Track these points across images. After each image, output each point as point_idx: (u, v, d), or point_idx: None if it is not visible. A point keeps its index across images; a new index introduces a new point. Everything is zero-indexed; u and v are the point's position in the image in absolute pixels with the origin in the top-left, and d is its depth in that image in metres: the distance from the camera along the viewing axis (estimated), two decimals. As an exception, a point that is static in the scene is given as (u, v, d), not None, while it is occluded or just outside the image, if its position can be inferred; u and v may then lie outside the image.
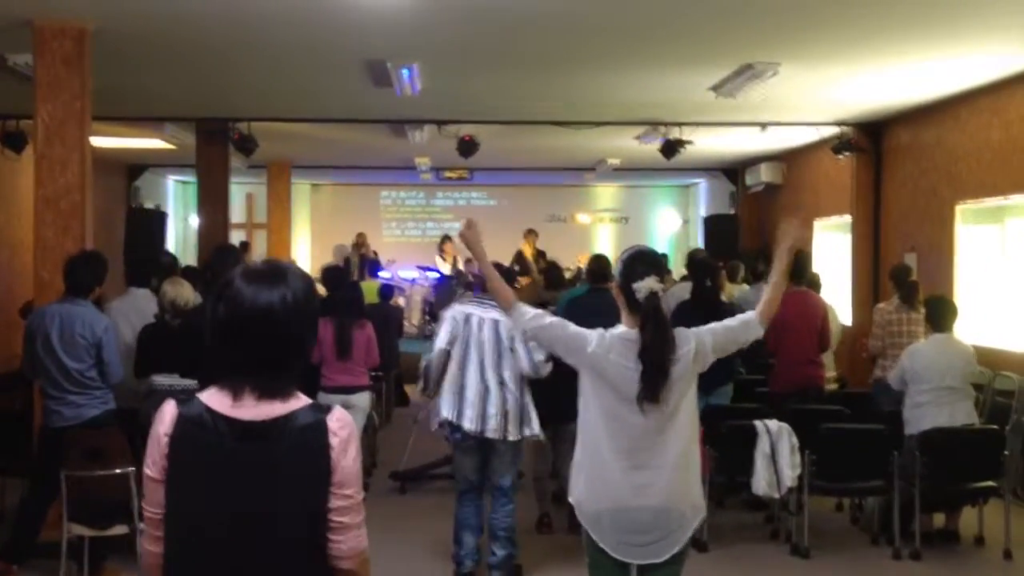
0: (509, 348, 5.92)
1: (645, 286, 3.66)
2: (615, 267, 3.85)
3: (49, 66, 6.58)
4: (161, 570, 2.37)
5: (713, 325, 3.80)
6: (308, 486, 2.35)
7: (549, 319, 3.79)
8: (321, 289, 9.75)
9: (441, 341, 5.98)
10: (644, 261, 3.76)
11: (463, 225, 4.07)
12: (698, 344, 3.70)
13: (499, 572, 6.04)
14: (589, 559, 3.80)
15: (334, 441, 2.36)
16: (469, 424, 5.84)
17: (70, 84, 6.58)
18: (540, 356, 5.82)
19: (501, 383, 5.90)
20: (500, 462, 6.03)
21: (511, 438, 5.93)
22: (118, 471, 5.55)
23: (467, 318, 5.97)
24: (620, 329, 3.72)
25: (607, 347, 3.66)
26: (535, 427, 5.99)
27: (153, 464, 2.35)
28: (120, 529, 5.62)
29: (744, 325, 3.81)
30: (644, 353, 3.60)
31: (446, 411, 5.89)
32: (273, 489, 2.31)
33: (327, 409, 2.40)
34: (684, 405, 3.68)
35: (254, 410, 2.34)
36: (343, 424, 2.39)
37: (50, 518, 6.09)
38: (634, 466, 3.65)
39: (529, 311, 3.81)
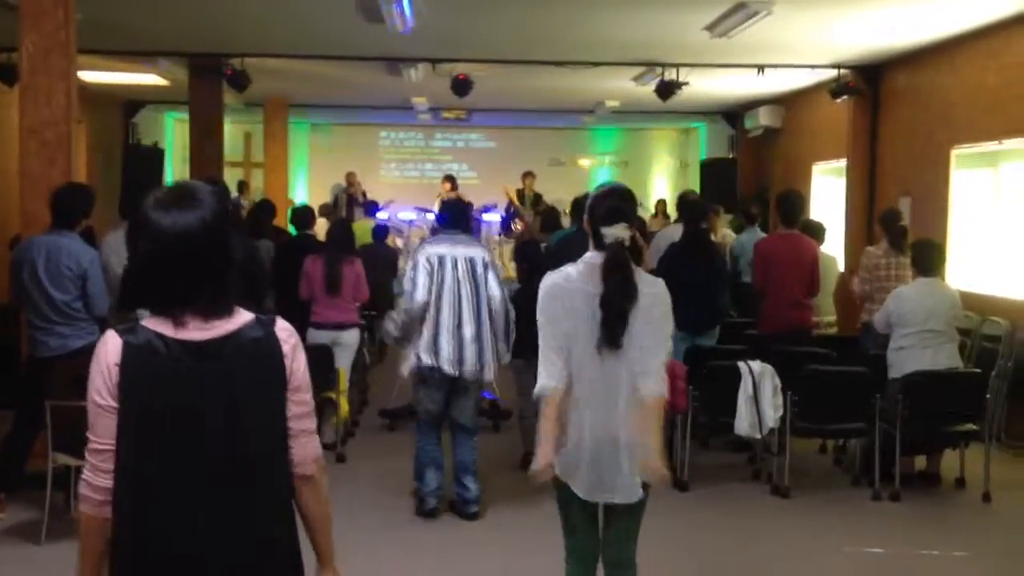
0: (486, 283, 5.93)
1: (612, 233, 3.64)
2: (587, 203, 3.83)
3: (33, -6, 6.52)
4: (108, 505, 2.34)
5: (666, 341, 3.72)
6: (268, 397, 2.40)
7: (548, 367, 3.64)
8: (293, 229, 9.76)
9: (420, 293, 5.87)
10: (612, 202, 3.73)
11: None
12: (663, 315, 3.66)
13: (475, 506, 6.12)
14: (559, 499, 3.83)
15: (285, 349, 2.42)
16: (448, 367, 5.87)
17: (54, 14, 6.51)
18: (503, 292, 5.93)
19: (478, 323, 5.91)
20: (466, 400, 6.09)
21: (487, 378, 5.99)
22: (101, 402, 5.58)
23: (440, 260, 5.92)
24: (589, 255, 3.73)
25: (572, 282, 3.65)
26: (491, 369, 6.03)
27: (100, 394, 2.32)
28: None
29: (654, 375, 3.63)
30: (604, 301, 3.59)
31: (425, 356, 5.89)
32: (235, 404, 2.34)
33: (272, 321, 2.43)
34: (649, 345, 3.63)
35: (203, 331, 2.35)
36: (289, 332, 2.45)
37: (37, 449, 6.15)
38: (600, 402, 3.65)
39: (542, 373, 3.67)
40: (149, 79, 12.48)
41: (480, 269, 5.96)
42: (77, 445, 5.58)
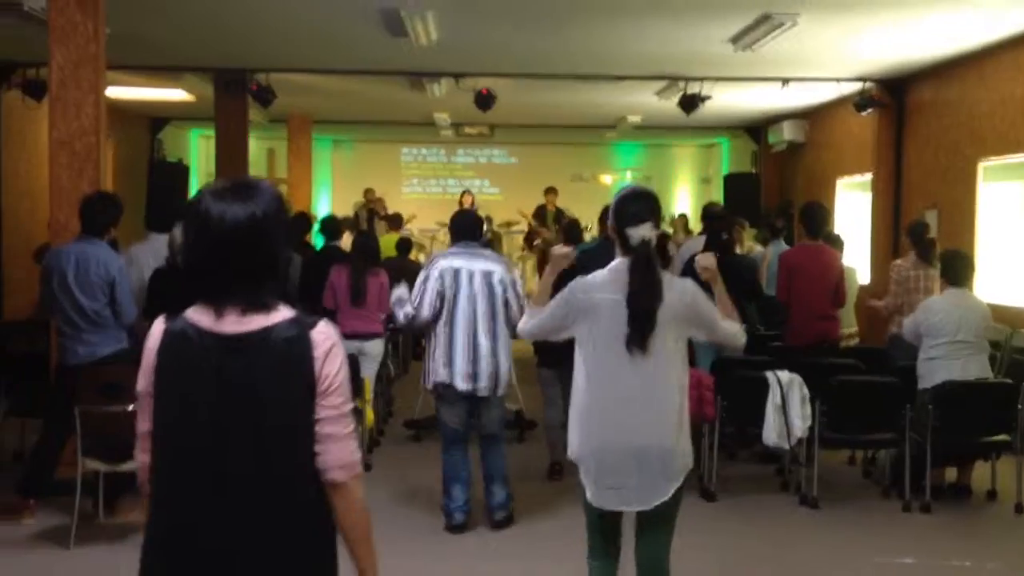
0: (503, 298, 5.89)
1: (638, 234, 3.65)
2: (612, 206, 3.83)
3: (63, 9, 6.60)
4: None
5: (720, 321, 3.77)
6: (292, 398, 2.36)
7: (545, 311, 3.79)
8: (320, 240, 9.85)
9: (426, 311, 5.80)
10: (638, 204, 3.73)
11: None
12: (697, 303, 3.69)
13: (504, 511, 6.09)
14: (584, 499, 3.80)
15: (317, 352, 2.38)
16: (461, 383, 5.84)
17: (84, 27, 6.59)
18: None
19: (492, 338, 5.86)
20: (489, 409, 6.05)
21: (500, 394, 5.97)
22: (131, 407, 5.60)
23: (456, 273, 5.85)
24: (615, 262, 3.72)
25: (594, 286, 3.67)
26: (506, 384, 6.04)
27: (142, 379, 2.41)
28: (133, 464, 5.66)
29: (728, 331, 3.79)
30: (631, 300, 3.59)
31: (440, 372, 5.87)
32: (257, 401, 2.33)
33: (312, 322, 2.41)
34: (675, 347, 3.66)
35: (237, 324, 2.36)
36: (327, 336, 2.40)
37: (67, 456, 6.18)
38: (626, 406, 3.62)
39: (531, 325, 3.88)
40: (175, 95, 12.59)
41: (498, 287, 5.88)
42: (106, 451, 5.69)
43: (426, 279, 5.88)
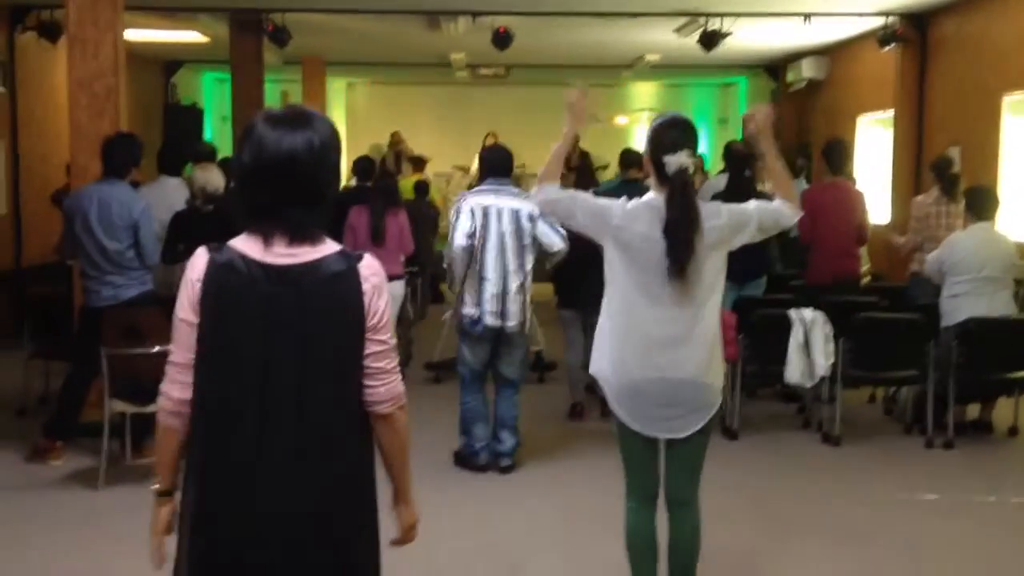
0: (531, 235, 5.87)
1: (675, 160, 3.58)
2: (646, 134, 3.78)
3: (79, -54, 6.51)
4: (179, 416, 2.41)
5: (759, 204, 3.72)
6: (343, 331, 2.37)
7: (564, 195, 3.71)
8: (353, 180, 9.78)
9: (461, 237, 5.83)
10: (675, 131, 3.67)
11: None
12: (732, 218, 3.63)
13: (509, 459, 6.12)
14: (617, 434, 3.81)
15: (366, 286, 2.38)
16: (490, 320, 5.84)
17: (101, -35, 6.51)
18: (562, 231, 5.80)
19: (522, 275, 5.87)
20: (510, 353, 6.05)
21: (528, 328, 5.97)
22: (157, 349, 5.63)
23: (485, 211, 5.84)
24: (649, 195, 3.68)
25: (632, 217, 3.62)
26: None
27: (185, 309, 2.38)
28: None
29: (779, 212, 3.69)
30: (669, 229, 3.55)
31: (468, 306, 5.87)
32: (305, 333, 2.33)
33: (358, 256, 2.40)
34: (712, 282, 3.64)
35: (286, 255, 2.35)
36: (374, 270, 2.41)
37: (92, 399, 6.23)
38: (662, 340, 3.62)
39: (552, 194, 3.71)
40: (189, 36, 12.47)
41: (526, 222, 5.87)
42: (133, 392, 5.72)
43: (458, 212, 5.91)
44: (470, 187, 6.45)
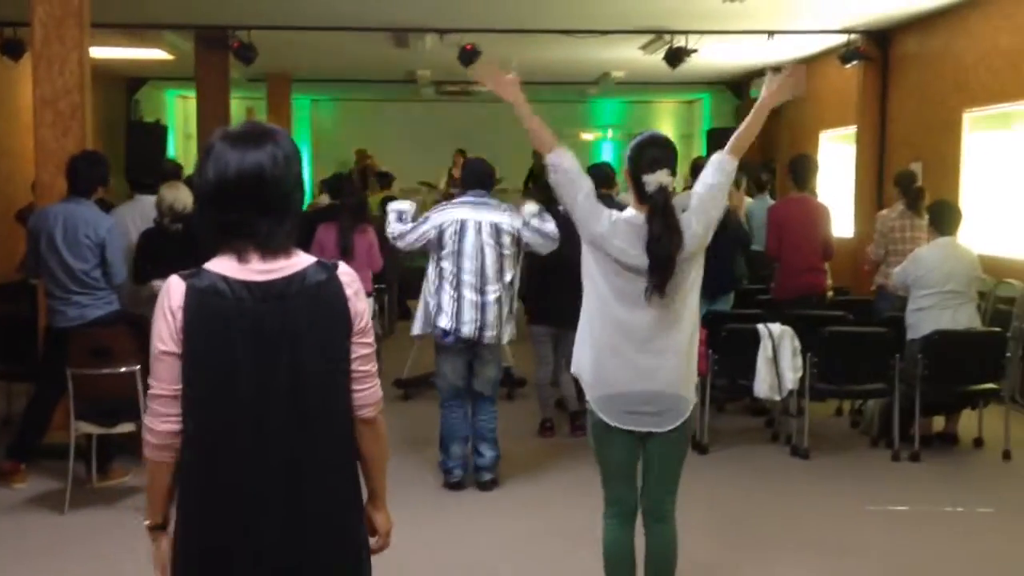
0: (512, 248, 5.87)
1: (655, 179, 3.60)
2: (626, 151, 3.79)
3: (44, -37, 6.46)
4: (168, 450, 2.35)
5: (700, 192, 3.72)
6: (332, 339, 2.38)
7: (582, 178, 3.70)
8: (324, 198, 9.78)
9: (410, 236, 5.81)
10: (655, 150, 3.68)
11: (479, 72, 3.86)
12: (700, 222, 3.65)
13: (489, 473, 6.10)
14: (593, 436, 3.82)
15: (349, 292, 2.40)
16: (467, 330, 5.82)
17: (67, -18, 6.46)
18: (550, 225, 5.77)
19: (500, 288, 5.84)
20: (487, 368, 6.04)
21: (504, 340, 5.99)
22: (124, 369, 5.57)
23: (463, 224, 5.81)
24: (629, 213, 3.69)
25: (614, 232, 3.63)
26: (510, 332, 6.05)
27: (165, 340, 2.31)
28: (127, 427, 5.66)
29: (718, 167, 3.71)
30: (651, 248, 3.56)
31: (444, 319, 5.85)
32: (299, 346, 2.33)
33: (334, 265, 2.42)
34: (690, 287, 3.67)
35: (264, 270, 2.34)
36: (351, 276, 2.43)
37: (57, 420, 6.15)
38: (640, 352, 3.64)
39: (566, 162, 3.68)
40: (154, 53, 12.39)
41: (506, 237, 5.84)
42: (99, 414, 5.65)
43: (427, 219, 5.90)
44: (437, 202, 6.44)
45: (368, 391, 2.45)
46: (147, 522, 2.46)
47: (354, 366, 2.42)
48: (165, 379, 2.33)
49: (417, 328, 6.04)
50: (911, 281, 6.82)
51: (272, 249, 2.35)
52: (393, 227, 5.95)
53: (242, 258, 2.33)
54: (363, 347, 2.43)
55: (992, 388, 6.82)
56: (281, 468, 2.34)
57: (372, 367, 2.46)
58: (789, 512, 5.78)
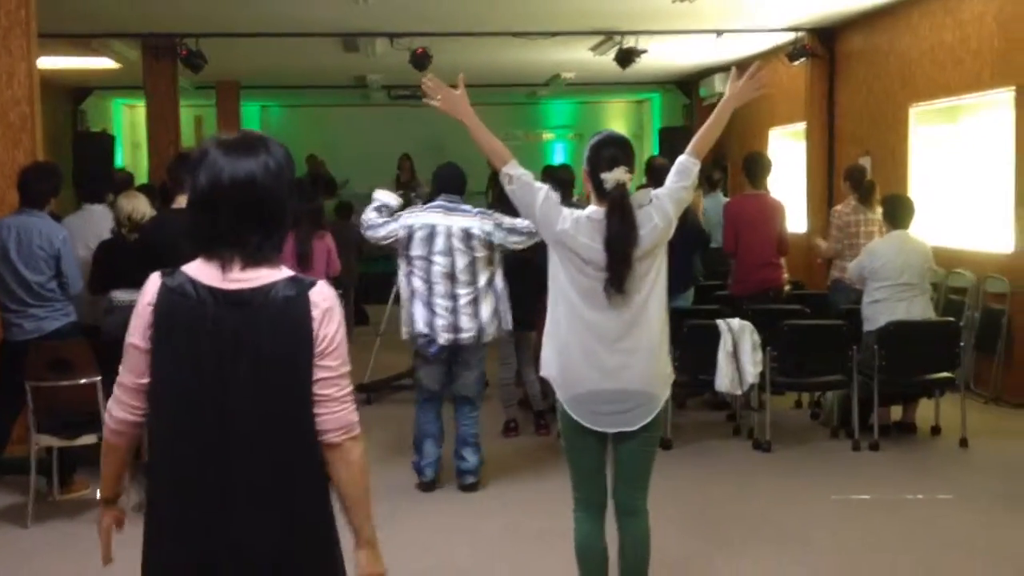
0: (485, 250, 5.85)
1: (613, 177, 3.65)
2: (584, 151, 3.84)
3: (-10, -28, 6.37)
4: (123, 436, 2.45)
5: (662, 190, 3.78)
6: (292, 357, 2.34)
7: (537, 184, 3.76)
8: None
9: (382, 231, 5.84)
10: (612, 149, 3.73)
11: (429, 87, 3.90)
12: (661, 217, 3.69)
13: (472, 477, 6.10)
14: (564, 435, 3.85)
15: (315, 312, 2.35)
16: (444, 337, 5.81)
17: (14, -8, 6.38)
18: (523, 222, 5.73)
19: (473, 290, 5.84)
20: (468, 371, 6.03)
21: (486, 339, 5.95)
22: (84, 381, 5.50)
23: (432, 231, 5.81)
24: (590, 210, 3.73)
25: (577, 228, 3.67)
26: (507, 322, 6.02)
27: (135, 333, 2.37)
28: (88, 439, 5.58)
29: (682, 170, 3.77)
30: (609, 244, 3.61)
31: (420, 324, 5.85)
32: (255, 357, 2.31)
33: (310, 283, 2.38)
34: (652, 283, 3.70)
35: (240, 279, 2.33)
36: (325, 296, 2.39)
37: (17, 434, 6.06)
38: (608, 351, 3.68)
39: (520, 171, 3.75)
40: (101, 62, 12.23)
41: (476, 242, 5.81)
42: (59, 426, 5.57)
43: (399, 217, 5.91)
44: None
45: (328, 416, 2.37)
46: (100, 495, 2.58)
47: (315, 388, 2.36)
48: (131, 369, 2.39)
49: (404, 333, 6.02)
50: (867, 274, 6.93)
51: (255, 261, 2.34)
52: (369, 215, 5.93)
53: (224, 266, 2.33)
54: (324, 370, 2.36)
55: (948, 377, 6.94)
56: (243, 465, 2.32)
57: (335, 391, 2.37)
58: (754, 504, 5.85)
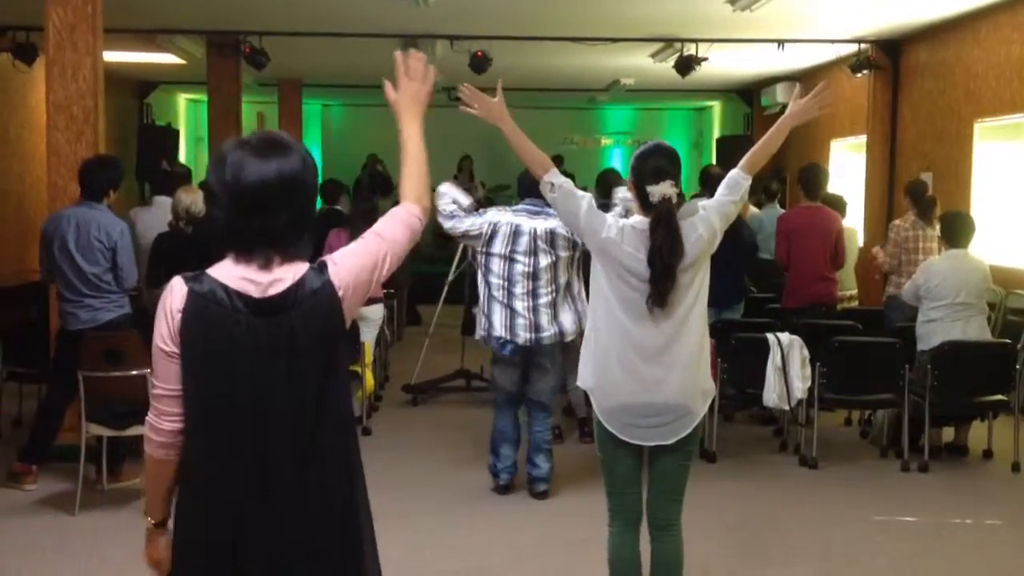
0: (567, 251, 5.83)
1: (659, 191, 3.63)
2: (630, 162, 3.82)
3: (58, -32, 6.49)
4: (172, 448, 2.39)
5: (710, 202, 3.78)
6: (329, 346, 2.38)
7: (579, 192, 3.76)
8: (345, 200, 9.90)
9: (465, 223, 5.81)
10: (658, 160, 3.71)
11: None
12: (706, 228, 3.68)
13: (544, 484, 6.08)
14: (599, 447, 3.84)
15: (340, 292, 2.39)
16: (523, 337, 5.79)
17: (81, -13, 6.49)
18: None
19: (553, 291, 5.82)
20: (543, 376, 6.01)
21: (568, 338, 5.89)
22: (135, 372, 5.60)
23: (517, 229, 5.79)
24: (635, 219, 3.71)
25: (622, 237, 3.66)
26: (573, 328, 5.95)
27: (164, 339, 2.34)
28: (138, 429, 5.65)
29: (732, 184, 3.78)
30: (652, 258, 3.59)
31: (496, 325, 5.84)
32: (296, 359, 2.34)
33: (324, 265, 2.41)
34: (695, 297, 3.68)
35: (267, 281, 2.34)
36: (339, 269, 2.41)
37: (68, 423, 6.18)
38: (647, 363, 3.66)
39: (561, 179, 3.75)
40: (166, 59, 12.43)
41: (561, 242, 5.81)
42: (110, 416, 5.68)
43: (484, 213, 5.93)
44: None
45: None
46: (149, 520, 2.48)
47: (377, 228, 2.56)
48: (164, 377, 2.36)
49: (479, 333, 6.04)
50: (922, 293, 6.81)
51: (282, 261, 2.36)
52: (448, 206, 5.88)
53: (249, 266, 2.34)
54: (392, 245, 2.57)
55: (1002, 399, 6.80)
56: (278, 453, 2.33)
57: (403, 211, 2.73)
58: (796, 521, 5.78)
